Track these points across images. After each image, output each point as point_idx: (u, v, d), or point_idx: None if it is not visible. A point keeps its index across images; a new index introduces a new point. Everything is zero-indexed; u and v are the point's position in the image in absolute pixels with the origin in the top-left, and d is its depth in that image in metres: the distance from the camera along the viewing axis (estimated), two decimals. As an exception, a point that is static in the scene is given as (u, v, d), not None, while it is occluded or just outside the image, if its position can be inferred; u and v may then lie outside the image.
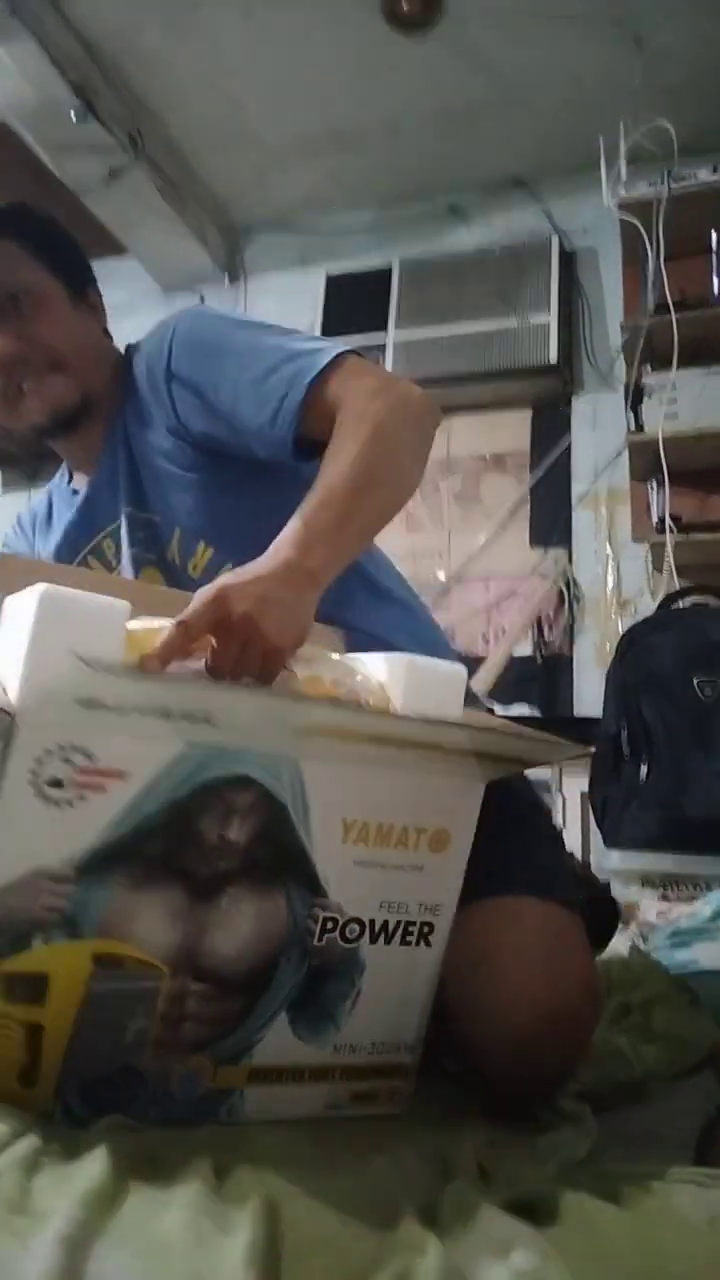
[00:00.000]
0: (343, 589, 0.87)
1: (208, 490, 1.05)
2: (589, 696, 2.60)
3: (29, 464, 3.17)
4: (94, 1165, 0.49)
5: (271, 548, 0.78)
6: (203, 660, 0.67)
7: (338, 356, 0.94)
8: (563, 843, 1.08)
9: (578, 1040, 0.78)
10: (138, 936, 0.62)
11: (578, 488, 2.85)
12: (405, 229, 3.19)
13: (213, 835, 0.63)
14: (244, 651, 0.68)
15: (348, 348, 0.96)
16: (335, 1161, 0.61)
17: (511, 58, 2.66)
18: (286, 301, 3.21)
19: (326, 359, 0.93)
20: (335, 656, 0.75)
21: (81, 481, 1.18)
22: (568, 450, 2.90)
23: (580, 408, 2.92)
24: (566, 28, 2.53)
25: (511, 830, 0.83)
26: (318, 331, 2.98)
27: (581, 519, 2.84)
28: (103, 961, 0.61)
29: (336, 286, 3.11)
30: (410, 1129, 0.70)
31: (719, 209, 2.59)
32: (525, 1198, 0.58)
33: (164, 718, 0.61)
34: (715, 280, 2.56)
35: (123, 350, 1.17)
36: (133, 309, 3.48)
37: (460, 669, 0.74)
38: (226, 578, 0.71)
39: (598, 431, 2.86)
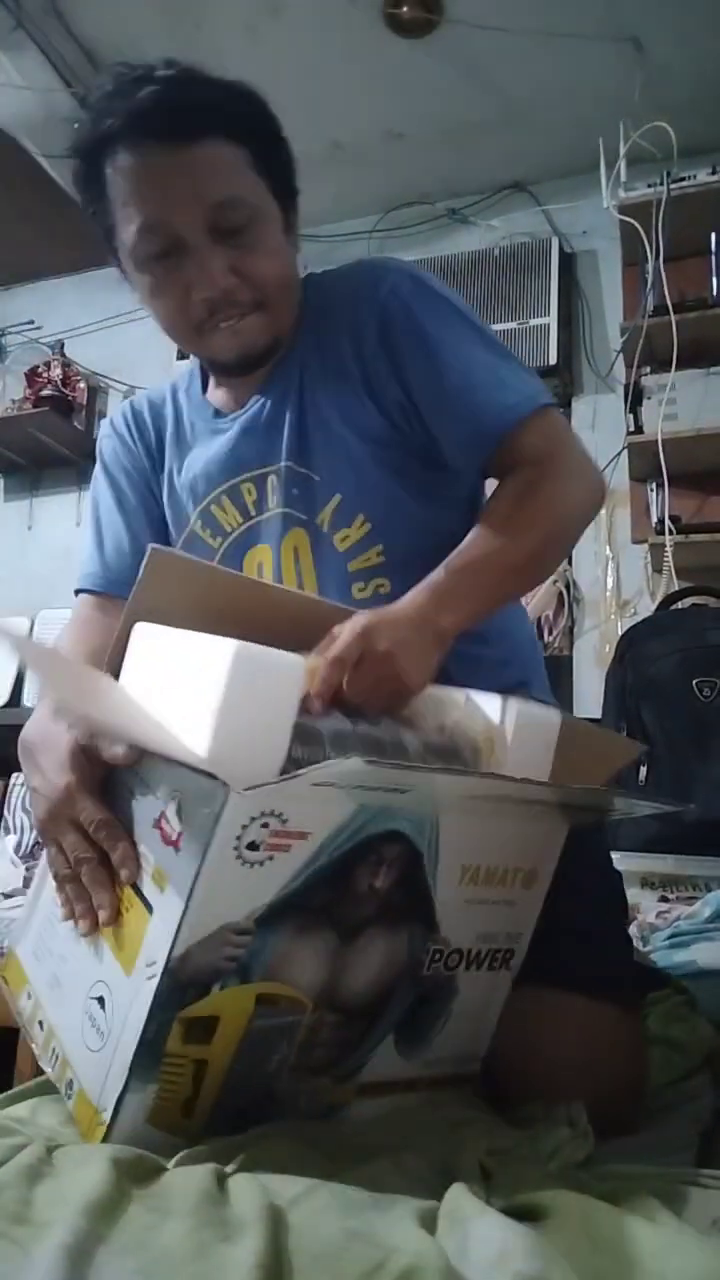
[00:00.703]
0: None
1: (380, 466, 0.98)
2: (589, 698, 2.60)
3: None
4: (96, 1175, 0.50)
5: (413, 593, 0.80)
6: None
7: (544, 407, 0.93)
8: (626, 916, 1.05)
9: (615, 1127, 0.79)
10: (293, 977, 0.66)
11: (578, 489, 2.85)
12: (406, 232, 3.20)
13: (364, 884, 0.67)
14: (376, 686, 0.72)
15: (548, 397, 0.95)
16: (337, 1167, 0.61)
17: (511, 61, 2.66)
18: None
19: (533, 406, 0.92)
20: (456, 696, 0.78)
21: (226, 403, 1.07)
22: (568, 452, 2.90)
23: (580, 409, 2.93)
24: (566, 31, 2.53)
25: (577, 901, 0.84)
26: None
27: (582, 520, 2.84)
28: (263, 1000, 0.65)
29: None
30: (412, 1132, 0.70)
31: (718, 210, 2.59)
32: (526, 1201, 0.58)
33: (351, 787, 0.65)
34: (715, 281, 2.56)
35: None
36: (135, 316, 3.50)
37: (555, 715, 0.79)
38: (369, 616, 0.74)
39: (597, 433, 2.86)
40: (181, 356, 3.34)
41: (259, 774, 0.60)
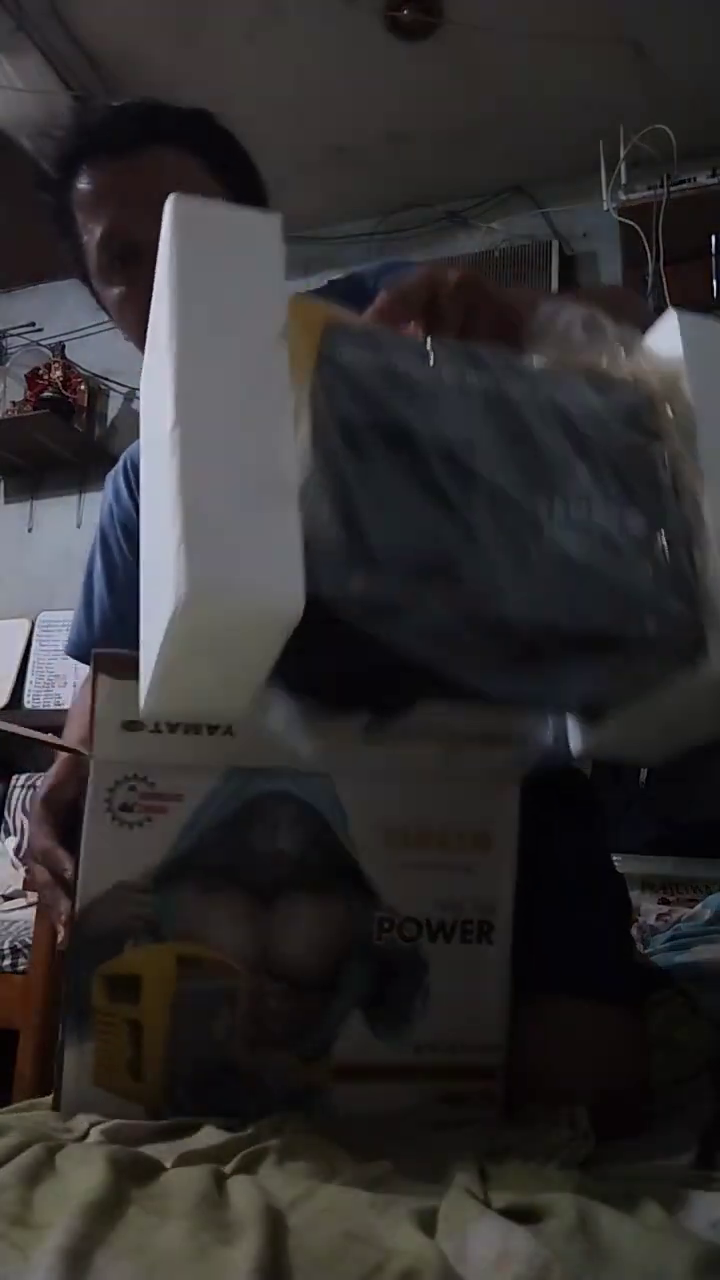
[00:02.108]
0: None
1: None
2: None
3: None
4: (95, 1177, 0.50)
5: None
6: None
7: None
8: (629, 918, 1.04)
9: (618, 1129, 0.78)
10: (212, 940, 0.71)
11: (579, 491, 2.86)
12: (406, 235, 3.20)
13: (264, 845, 0.71)
14: (473, 306, 0.61)
15: None
16: (335, 1168, 0.61)
17: (511, 63, 2.66)
18: (287, 308, 3.23)
19: None
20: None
21: None
22: (568, 454, 2.90)
23: (581, 411, 2.93)
24: (566, 33, 2.53)
25: (579, 902, 0.83)
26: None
27: (582, 522, 2.84)
28: (185, 963, 0.70)
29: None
30: (410, 1133, 0.70)
31: (719, 213, 2.59)
32: (526, 1202, 0.58)
33: (194, 733, 0.70)
34: (715, 284, 2.57)
35: None
36: (134, 316, 3.51)
37: None
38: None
39: (598, 435, 2.87)
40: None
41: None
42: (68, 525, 3.46)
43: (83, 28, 2.64)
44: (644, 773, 1.86)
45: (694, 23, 2.52)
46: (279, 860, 0.71)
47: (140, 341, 0.94)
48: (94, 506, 3.47)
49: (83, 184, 0.93)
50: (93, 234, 0.93)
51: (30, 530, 3.52)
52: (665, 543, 0.55)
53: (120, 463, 1.19)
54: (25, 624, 3.31)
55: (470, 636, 0.51)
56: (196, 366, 0.49)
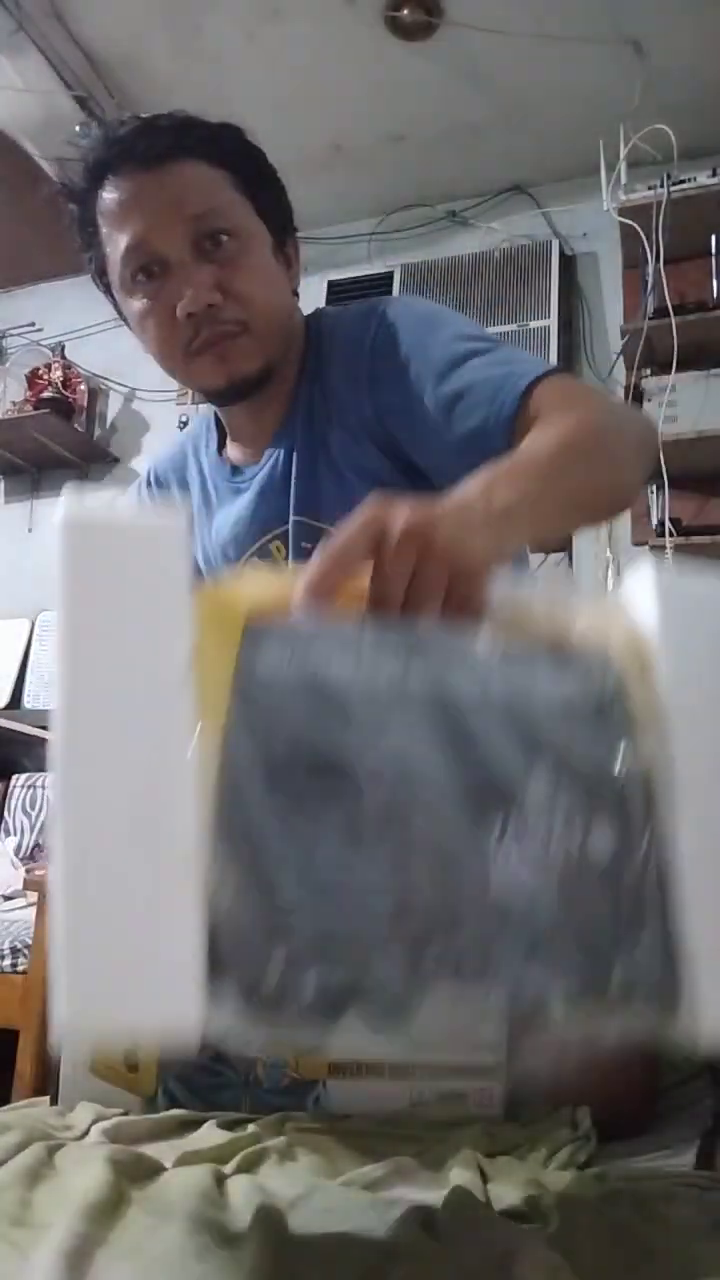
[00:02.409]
0: None
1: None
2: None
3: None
4: (94, 1177, 0.50)
5: (468, 485, 0.61)
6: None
7: (552, 372, 0.82)
8: None
9: (622, 1130, 0.78)
10: None
11: (579, 491, 2.86)
12: (406, 235, 3.21)
13: None
14: (420, 571, 0.51)
15: (556, 365, 0.84)
16: (336, 1168, 0.61)
17: (511, 63, 2.66)
18: (287, 307, 3.23)
19: (540, 371, 0.81)
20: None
21: (242, 458, 1.04)
22: (568, 454, 2.90)
23: (581, 411, 2.93)
24: (566, 33, 2.53)
25: None
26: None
27: (583, 523, 2.84)
28: None
29: (338, 293, 3.12)
30: (410, 1133, 0.70)
31: (719, 213, 2.60)
32: (527, 1203, 0.58)
33: None
34: (715, 284, 2.57)
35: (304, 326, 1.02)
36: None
37: None
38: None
39: (598, 435, 2.86)
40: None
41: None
42: (68, 525, 3.46)
43: (83, 28, 2.64)
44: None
45: (694, 22, 2.52)
46: None
47: (160, 357, 0.95)
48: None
49: (109, 194, 0.91)
50: (117, 246, 0.92)
51: (30, 530, 3.51)
52: (633, 872, 0.48)
53: (144, 473, 1.16)
54: (25, 624, 3.31)
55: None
56: (84, 728, 0.43)
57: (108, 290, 0.98)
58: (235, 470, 1.05)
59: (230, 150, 0.94)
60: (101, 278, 0.97)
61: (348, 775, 0.45)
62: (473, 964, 0.45)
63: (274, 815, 0.44)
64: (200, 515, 1.08)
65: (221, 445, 1.08)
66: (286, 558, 1.00)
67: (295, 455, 0.98)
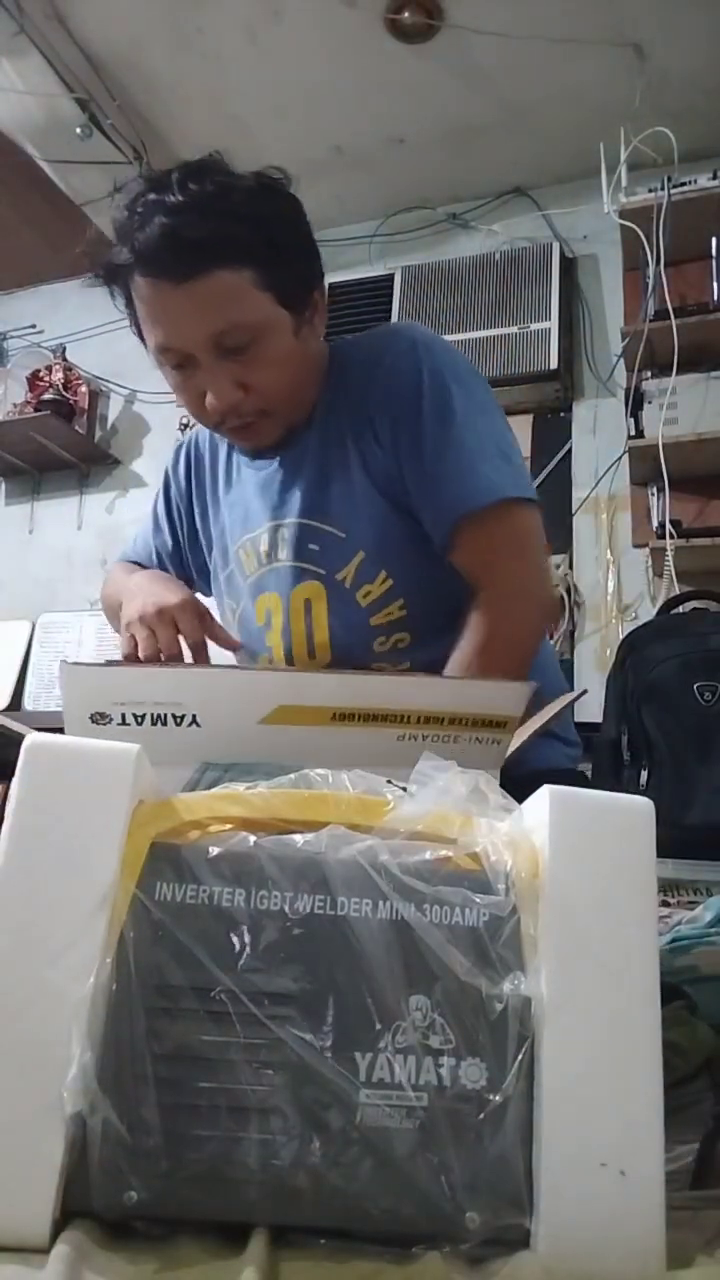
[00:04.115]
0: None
1: (401, 521, 1.04)
2: (589, 702, 2.60)
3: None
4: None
5: None
6: None
7: (504, 501, 1.00)
8: None
9: None
10: None
11: (578, 493, 2.86)
12: (407, 237, 3.21)
13: None
14: None
15: (517, 490, 1.01)
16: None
17: (512, 66, 2.67)
18: (288, 309, 3.23)
19: (489, 500, 0.99)
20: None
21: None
22: (568, 456, 2.90)
23: (580, 413, 2.93)
24: (567, 35, 2.54)
25: None
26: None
27: (582, 524, 2.84)
28: None
29: (338, 295, 3.12)
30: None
31: (719, 215, 2.60)
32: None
33: (160, 723, 0.66)
34: (715, 286, 2.57)
35: (329, 352, 1.13)
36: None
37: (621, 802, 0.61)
38: None
39: (598, 437, 2.86)
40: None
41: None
42: (68, 527, 3.46)
43: (84, 30, 2.65)
44: (644, 774, 1.86)
45: (694, 25, 2.52)
46: None
47: (194, 418, 1.07)
48: (94, 508, 3.48)
49: (141, 291, 0.98)
50: (149, 337, 1.01)
51: (31, 532, 3.52)
52: (501, 1106, 0.49)
53: (185, 439, 1.29)
54: (26, 625, 3.31)
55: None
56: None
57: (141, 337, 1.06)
58: (257, 453, 1.15)
59: (253, 247, 0.97)
60: (138, 330, 1.05)
61: (230, 997, 0.49)
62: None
63: (153, 1038, 0.48)
64: (223, 480, 1.20)
65: None
66: (271, 553, 1.12)
67: (304, 462, 1.09)
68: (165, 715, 0.69)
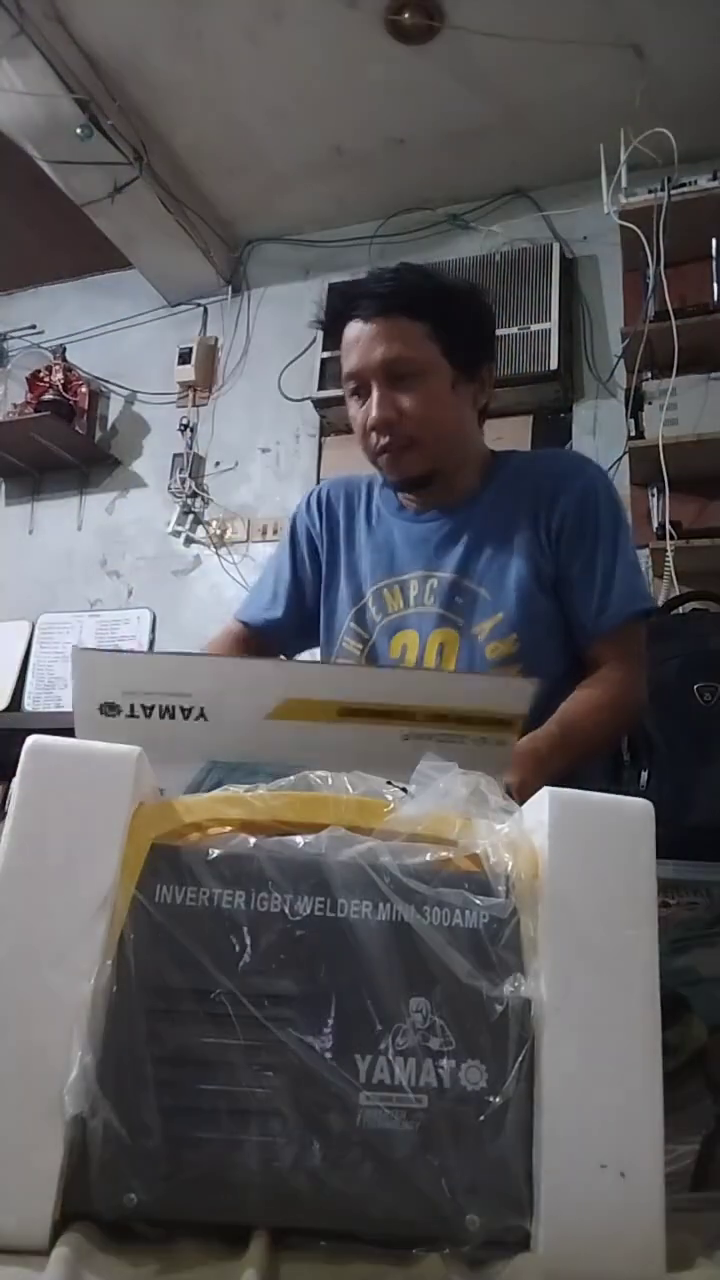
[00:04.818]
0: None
1: (545, 599, 1.23)
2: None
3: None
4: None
5: (537, 737, 1.03)
6: None
7: (645, 614, 1.25)
8: None
9: None
10: None
11: (579, 494, 2.86)
12: (407, 238, 3.21)
13: None
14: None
15: (641, 604, 1.24)
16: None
17: (512, 67, 2.67)
18: (289, 312, 3.23)
19: (621, 619, 1.22)
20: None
21: (408, 504, 1.33)
22: (569, 457, 2.90)
23: (581, 414, 2.93)
24: (567, 37, 2.53)
25: None
26: (320, 342, 3.01)
27: (583, 525, 2.84)
28: None
29: (338, 296, 3.12)
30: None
31: (719, 215, 2.60)
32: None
33: (167, 715, 0.67)
34: (715, 287, 2.56)
35: (491, 450, 1.36)
36: (137, 321, 3.51)
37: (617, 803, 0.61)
38: (529, 762, 0.96)
39: (598, 438, 2.86)
40: (183, 361, 3.35)
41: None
42: (68, 527, 3.46)
43: (84, 31, 2.64)
44: (644, 775, 1.86)
45: (694, 25, 2.52)
46: None
47: (361, 444, 1.27)
48: (94, 508, 3.48)
49: (345, 332, 1.25)
50: (343, 367, 1.26)
51: (31, 532, 3.52)
52: (501, 1108, 0.49)
53: (314, 492, 1.45)
54: (26, 626, 3.31)
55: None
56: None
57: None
58: (400, 508, 1.34)
59: (433, 306, 1.22)
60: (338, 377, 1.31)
61: (230, 999, 0.49)
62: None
63: (153, 1040, 0.48)
64: (362, 525, 1.37)
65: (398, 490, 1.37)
66: (407, 599, 1.28)
67: (467, 528, 1.27)
68: (174, 708, 0.69)
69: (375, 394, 1.21)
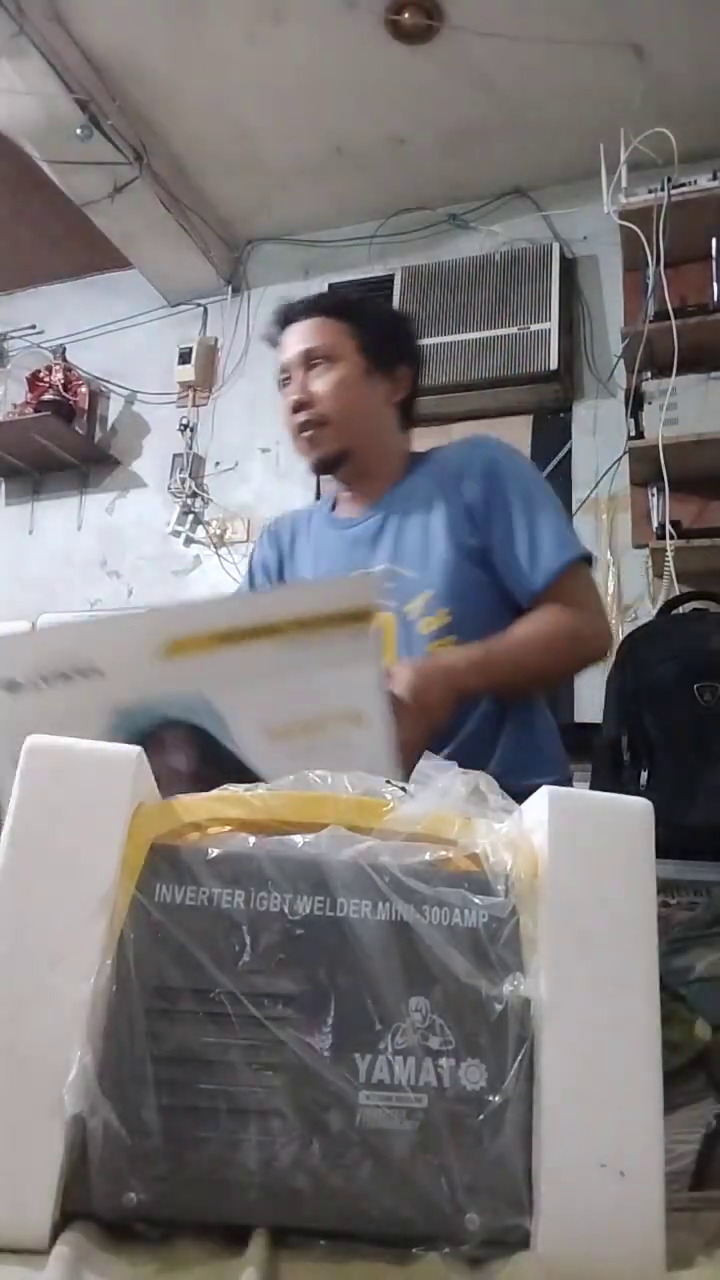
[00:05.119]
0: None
1: (471, 570, 1.28)
2: (589, 702, 2.59)
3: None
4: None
5: (454, 653, 1.16)
6: None
7: (582, 560, 1.27)
8: None
9: None
10: None
11: (578, 494, 2.86)
12: (407, 238, 3.21)
13: (166, 772, 0.70)
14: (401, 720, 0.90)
15: (576, 550, 1.27)
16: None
17: (512, 67, 2.67)
18: (288, 310, 3.23)
19: (575, 554, 1.25)
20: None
21: (345, 514, 1.44)
22: (568, 456, 2.90)
23: (581, 414, 2.93)
24: (567, 36, 2.54)
25: None
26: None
27: (582, 525, 2.84)
28: None
29: (281, 313, 3.12)
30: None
31: (719, 216, 2.60)
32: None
33: (66, 680, 0.72)
34: (715, 286, 2.57)
35: (410, 446, 1.45)
36: (137, 321, 3.51)
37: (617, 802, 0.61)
38: (423, 665, 1.09)
39: (598, 438, 2.86)
40: (183, 361, 3.35)
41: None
42: (68, 527, 3.46)
43: (84, 31, 2.65)
44: (644, 775, 1.86)
45: (694, 25, 2.52)
46: (178, 780, 0.71)
47: (288, 428, 1.39)
48: (94, 508, 3.48)
49: (279, 338, 1.42)
50: (276, 363, 1.41)
51: (31, 532, 3.52)
52: (501, 1107, 0.49)
53: (268, 524, 1.59)
54: (26, 626, 3.31)
55: None
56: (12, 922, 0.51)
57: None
58: (336, 520, 1.45)
59: (351, 310, 1.40)
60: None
61: (230, 998, 0.49)
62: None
63: (153, 1040, 0.48)
64: (302, 543, 1.48)
65: (335, 506, 1.49)
66: None
67: (389, 524, 1.35)
68: (71, 672, 0.73)
69: (295, 380, 1.36)
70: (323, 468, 1.40)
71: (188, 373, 3.35)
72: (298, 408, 1.35)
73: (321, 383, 1.34)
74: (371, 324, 1.40)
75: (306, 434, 1.36)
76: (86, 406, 3.44)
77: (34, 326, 3.68)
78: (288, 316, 1.42)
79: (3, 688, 0.71)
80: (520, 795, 0.61)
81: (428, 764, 0.60)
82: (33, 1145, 0.47)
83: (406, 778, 0.61)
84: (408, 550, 1.32)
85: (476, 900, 0.53)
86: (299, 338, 1.37)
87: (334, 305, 1.41)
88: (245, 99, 2.85)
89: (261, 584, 1.52)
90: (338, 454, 1.37)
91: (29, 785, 0.53)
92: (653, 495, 2.58)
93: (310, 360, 1.35)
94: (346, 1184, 0.48)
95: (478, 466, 1.33)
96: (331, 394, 1.34)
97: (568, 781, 1.38)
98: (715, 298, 2.56)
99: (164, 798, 0.59)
